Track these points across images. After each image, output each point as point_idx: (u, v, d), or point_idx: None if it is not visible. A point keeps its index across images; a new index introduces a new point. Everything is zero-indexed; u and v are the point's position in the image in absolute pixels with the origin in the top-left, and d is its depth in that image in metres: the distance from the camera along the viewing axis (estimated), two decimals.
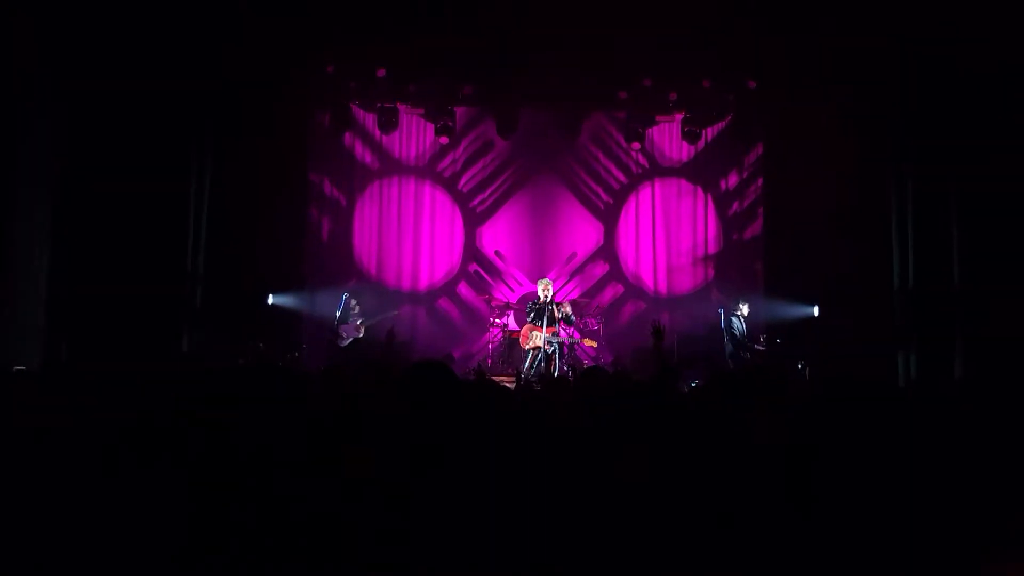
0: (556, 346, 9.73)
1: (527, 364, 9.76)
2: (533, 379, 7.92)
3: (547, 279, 10.31)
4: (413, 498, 2.33)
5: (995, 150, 8.32)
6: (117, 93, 8.62)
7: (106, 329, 8.42)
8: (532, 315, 9.92)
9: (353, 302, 10.42)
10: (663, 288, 11.76)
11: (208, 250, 9.72)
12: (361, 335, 10.31)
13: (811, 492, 2.45)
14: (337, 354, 10.01)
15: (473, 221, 11.83)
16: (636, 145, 11.56)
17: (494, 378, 8.72)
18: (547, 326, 9.69)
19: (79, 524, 2.28)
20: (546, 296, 9.94)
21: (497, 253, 11.83)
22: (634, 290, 11.82)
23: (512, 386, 6.11)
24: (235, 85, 9.62)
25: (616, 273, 11.88)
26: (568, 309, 9.89)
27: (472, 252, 11.83)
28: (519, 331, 10.66)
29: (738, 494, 2.43)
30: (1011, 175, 8.31)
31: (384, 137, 11.48)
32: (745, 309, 10.20)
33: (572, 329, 10.52)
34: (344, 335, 10.27)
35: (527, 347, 9.93)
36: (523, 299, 11.40)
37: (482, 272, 11.82)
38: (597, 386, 3.33)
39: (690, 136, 11.39)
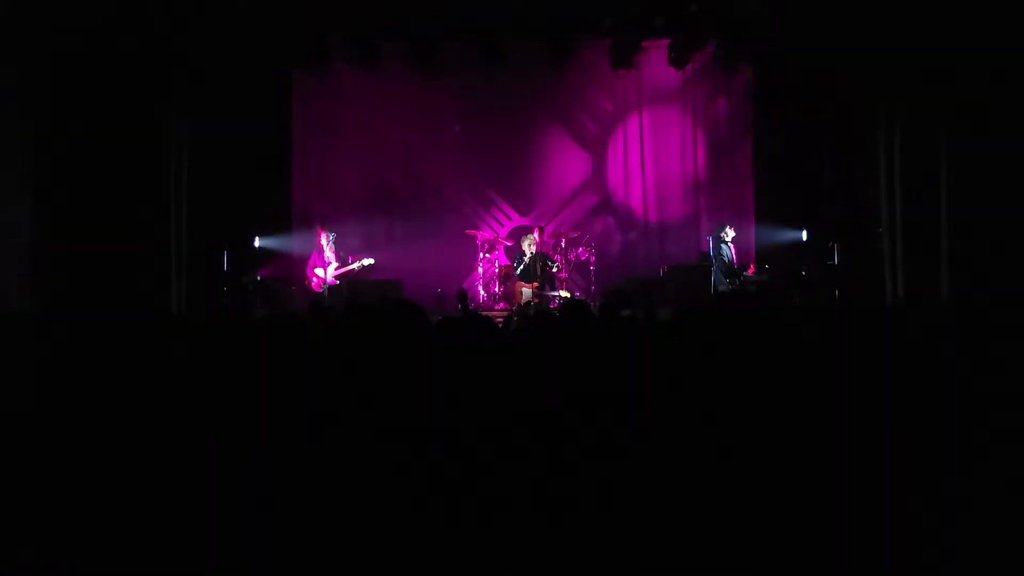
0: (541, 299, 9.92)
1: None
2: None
3: (531, 235, 10.32)
4: None
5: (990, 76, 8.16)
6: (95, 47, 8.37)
7: (93, 275, 8.40)
8: (519, 272, 10.03)
9: (324, 241, 10.03)
10: (653, 217, 11.71)
11: (191, 196, 9.58)
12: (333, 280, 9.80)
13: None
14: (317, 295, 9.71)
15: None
16: (623, 72, 11.37)
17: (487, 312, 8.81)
18: (532, 281, 9.91)
19: None
20: (531, 251, 10.00)
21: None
22: (624, 220, 11.77)
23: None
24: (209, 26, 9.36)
25: (606, 204, 11.81)
26: (554, 268, 10.19)
27: None
28: (510, 266, 10.66)
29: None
30: (1002, 97, 8.19)
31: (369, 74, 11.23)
32: (730, 234, 10.14)
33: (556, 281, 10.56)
34: (316, 276, 9.89)
35: (520, 303, 10.05)
36: (511, 234, 11.37)
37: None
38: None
39: (677, 62, 11.18)
